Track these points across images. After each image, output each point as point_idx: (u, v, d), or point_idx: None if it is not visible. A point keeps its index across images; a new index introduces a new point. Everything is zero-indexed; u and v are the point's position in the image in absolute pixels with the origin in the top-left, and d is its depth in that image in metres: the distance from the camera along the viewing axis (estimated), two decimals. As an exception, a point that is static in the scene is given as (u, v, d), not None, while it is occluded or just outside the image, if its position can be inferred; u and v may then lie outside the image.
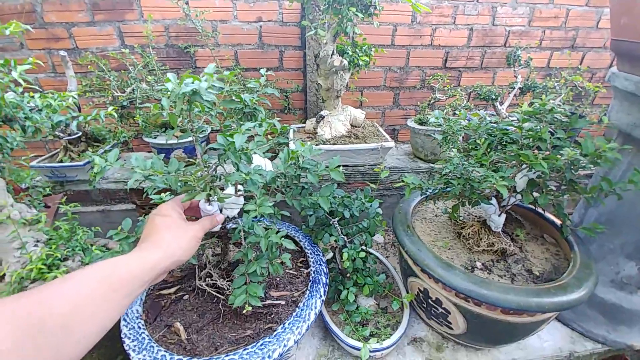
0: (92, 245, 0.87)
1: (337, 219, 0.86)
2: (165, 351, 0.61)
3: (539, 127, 0.67)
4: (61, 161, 1.11)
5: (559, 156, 0.60)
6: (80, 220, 0.91)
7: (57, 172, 1.10)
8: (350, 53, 1.16)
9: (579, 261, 0.71)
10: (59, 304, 0.35)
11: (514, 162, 0.68)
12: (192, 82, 0.49)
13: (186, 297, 0.77)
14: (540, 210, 0.88)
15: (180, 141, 1.17)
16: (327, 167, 0.68)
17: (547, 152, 0.60)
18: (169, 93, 0.50)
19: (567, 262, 0.75)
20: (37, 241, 0.77)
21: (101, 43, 1.36)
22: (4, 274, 0.73)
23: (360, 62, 1.18)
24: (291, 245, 0.61)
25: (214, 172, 0.62)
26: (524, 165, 0.66)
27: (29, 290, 0.36)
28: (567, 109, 0.72)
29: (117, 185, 1.16)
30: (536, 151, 0.61)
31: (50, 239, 0.79)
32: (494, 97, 1.30)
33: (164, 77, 1.22)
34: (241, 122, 0.67)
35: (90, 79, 1.24)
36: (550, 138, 0.62)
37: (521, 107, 0.68)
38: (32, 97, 0.64)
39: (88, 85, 1.22)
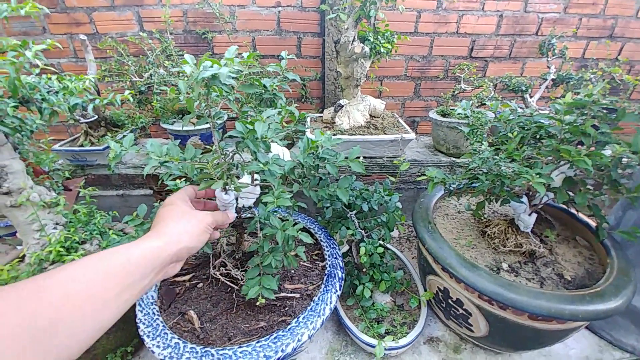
0: (109, 229, 0.88)
1: (354, 212, 0.83)
2: (178, 339, 0.61)
3: (580, 120, 0.61)
4: (82, 145, 1.12)
5: (603, 153, 0.54)
6: (101, 204, 0.91)
7: (77, 156, 1.11)
8: (372, 40, 1.11)
9: (617, 267, 0.66)
10: (48, 299, 0.31)
11: (550, 157, 0.63)
12: (212, 67, 0.47)
13: (200, 285, 0.77)
14: (573, 210, 0.83)
15: (197, 128, 1.16)
16: (346, 157, 0.65)
17: (592, 148, 0.55)
18: (186, 77, 0.48)
19: (602, 268, 0.70)
20: (57, 224, 0.78)
21: (121, 28, 1.36)
22: (24, 255, 0.74)
23: (382, 50, 1.12)
24: (308, 239, 0.59)
25: (231, 160, 0.60)
26: (562, 162, 0.60)
27: (23, 280, 0.33)
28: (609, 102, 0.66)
29: (135, 170, 1.16)
30: (579, 147, 0.56)
31: (69, 222, 0.80)
32: (524, 88, 1.22)
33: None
34: (260, 109, 0.64)
35: (109, 63, 1.24)
36: (594, 133, 0.56)
37: (553, 99, 0.62)
38: (49, 78, 0.63)
39: (107, 70, 1.22)
